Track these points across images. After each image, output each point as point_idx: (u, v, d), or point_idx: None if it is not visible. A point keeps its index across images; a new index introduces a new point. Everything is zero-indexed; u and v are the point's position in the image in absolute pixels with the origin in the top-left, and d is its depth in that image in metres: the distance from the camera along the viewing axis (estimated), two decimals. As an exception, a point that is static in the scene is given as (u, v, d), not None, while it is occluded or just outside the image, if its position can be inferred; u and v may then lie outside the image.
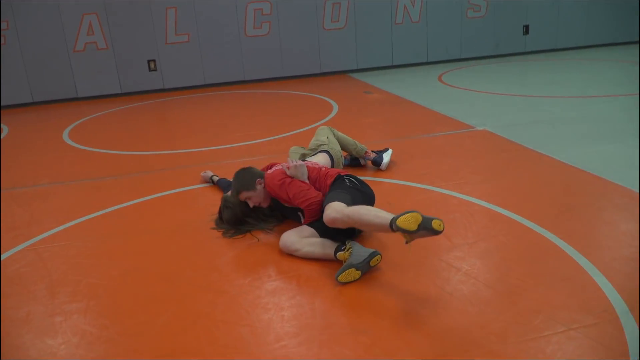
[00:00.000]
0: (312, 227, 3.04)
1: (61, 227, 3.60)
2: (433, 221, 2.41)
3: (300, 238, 2.96)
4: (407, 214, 2.42)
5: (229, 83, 9.26)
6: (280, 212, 3.44)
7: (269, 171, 3.39)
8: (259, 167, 3.55)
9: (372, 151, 4.47)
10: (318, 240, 2.93)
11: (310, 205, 3.06)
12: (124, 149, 5.55)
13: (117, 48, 8.57)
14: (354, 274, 2.66)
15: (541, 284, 2.62)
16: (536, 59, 10.00)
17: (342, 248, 2.81)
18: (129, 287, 2.82)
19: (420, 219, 2.40)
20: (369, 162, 4.43)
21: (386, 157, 4.41)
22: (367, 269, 2.71)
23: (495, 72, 8.96)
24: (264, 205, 3.38)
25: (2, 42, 8.02)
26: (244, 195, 3.28)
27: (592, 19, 10.53)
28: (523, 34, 10.36)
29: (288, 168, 3.23)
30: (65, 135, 6.28)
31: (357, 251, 2.72)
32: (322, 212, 2.92)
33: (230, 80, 9.25)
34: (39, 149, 5.82)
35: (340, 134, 4.39)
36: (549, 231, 3.11)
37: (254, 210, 3.38)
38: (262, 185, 3.32)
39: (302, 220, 3.13)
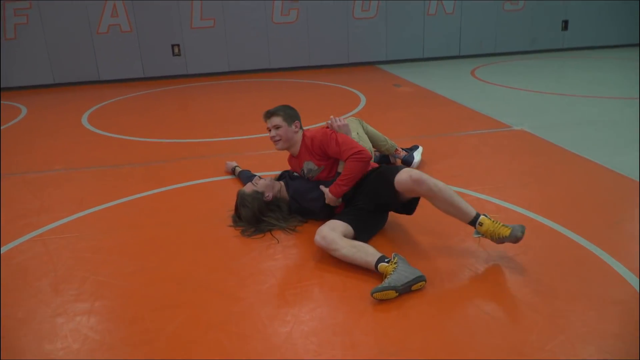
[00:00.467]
0: (343, 219, 2.81)
1: (72, 217, 3.42)
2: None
3: (341, 236, 2.69)
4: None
5: (253, 71, 9.02)
6: (299, 212, 3.21)
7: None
8: (278, 160, 3.30)
9: (403, 149, 4.19)
10: (360, 244, 2.66)
11: (360, 154, 2.92)
12: (143, 135, 5.36)
13: (141, 31, 8.39)
14: (391, 294, 2.39)
15: (590, 308, 2.33)
16: (575, 56, 9.54)
17: (387, 260, 2.52)
18: (138, 287, 2.60)
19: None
20: (399, 161, 4.15)
21: (417, 155, 4.13)
22: (406, 291, 2.43)
23: (532, 69, 8.56)
24: (269, 196, 3.16)
25: (24, 21, 7.89)
26: (274, 121, 3.14)
27: (636, 15, 10.00)
28: (562, 30, 9.91)
29: (331, 126, 3.20)
30: (84, 119, 6.12)
31: (402, 270, 2.44)
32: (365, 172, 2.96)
33: (255, 68, 9.02)
34: (56, 133, 5.67)
35: (370, 128, 4.12)
36: (597, 246, 2.82)
37: (271, 209, 3.16)
38: (299, 129, 3.20)
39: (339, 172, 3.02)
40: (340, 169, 3.16)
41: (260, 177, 3.24)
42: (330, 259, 2.70)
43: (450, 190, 2.71)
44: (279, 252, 2.88)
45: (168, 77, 8.69)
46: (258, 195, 3.13)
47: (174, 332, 2.25)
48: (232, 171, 4.05)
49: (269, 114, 3.20)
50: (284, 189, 3.27)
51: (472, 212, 2.69)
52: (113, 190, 3.88)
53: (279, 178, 3.42)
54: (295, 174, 3.40)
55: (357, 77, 8.46)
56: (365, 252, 2.59)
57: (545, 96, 6.52)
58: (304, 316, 2.32)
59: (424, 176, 2.70)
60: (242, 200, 3.13)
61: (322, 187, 3.09)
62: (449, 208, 2.71)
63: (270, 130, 3.20)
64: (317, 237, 2.71)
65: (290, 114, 3.19)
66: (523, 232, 2.60)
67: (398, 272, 2.42)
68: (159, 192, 3.79)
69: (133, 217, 3.42)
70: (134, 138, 5.28)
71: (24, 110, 6.75)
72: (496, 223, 2.64)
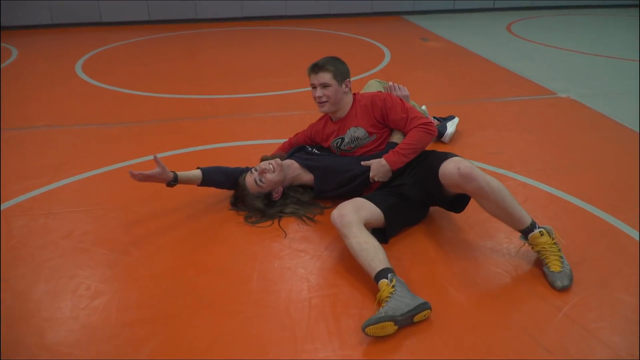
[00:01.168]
0: (376, 202, 2.32)
1: (47, 187, 2.92)
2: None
3: (361, 223, 2.17)
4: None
5: (268, 17, 8.33)
6: (321, 193, 2.69)
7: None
8: (291, 125, 2.77)
9: (434, 117, 3.61)
10: (373, 243, 2.11)
11: (429, 125, 2.54)
12: (141, 88, 4.79)
13: (147, -31, 7.68)
14: (389, 328, 1.82)
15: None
16: (625, 14, 8.67)
17: (387, 276, 1.97)
18: (109, 293, 2.12)
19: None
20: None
21: (451, 126, 3.56)
22: (408, 323, 1.89)
23: (576, 26, 7.75)
24: (278, 192, 2.66)
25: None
26: (322, 78, 2.61)
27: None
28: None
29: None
30: (78, 67, 5.55)
31: (400, 296, 1.89)
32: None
33: (271, 14, 8.33)
34: (45, 82, 5.10)
35: (395, 92, 3.54)
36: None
37: (285, 196, 2.67)
38: (349, 90, 2.72)
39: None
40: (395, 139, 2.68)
41: (264, 169, 2.60)
42: (351, 261, 2.18)
43: (505, 190, 2.17)
44: (287, 248, 2.37)
45: (175, 22, 8.04)
46: (266, 196, 2.64)
47: (151, 353, 1.77)
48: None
49: (316, 68, 2.63)
50: (303, 171, 2.72)
51: (527, 219, 2.18)
52: (100, 154, 3.37)
53: (294, 152, 2.87)
54: (314, 149, 2.84)
55: (381, 28, 7.73)
56: (373, 256, 2.06)
57: (592, 58, 5.81)
58: (308, 346, 1.82)
59: (476, 171, 2.15)
60: (245, 200, 2.64)
61: (366, 162, 2.56)
62: (499, 212, 2.19)
63: (315, 89, 2.65)
64: (335, 213, 2.20)
65: (342, 71, 2.65)
66: (568, 284, 2.08)
67: (395, 297, 1.88)
68: (148, 161, 3.28)
69: (119, 190, 2.91)
70: (130, 91, 4.72)
71: (15, 53, 6.18)
72: (554, 246, 2.16)
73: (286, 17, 8.34)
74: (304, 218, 2.59)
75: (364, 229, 2.16)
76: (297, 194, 2.71)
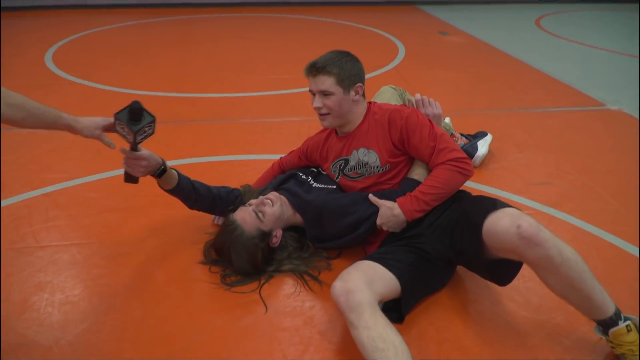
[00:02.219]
0: (389, 266, 1.64)
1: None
2: None
3: (375, 303, 1.48)
4: None
5: (269, 4, 7.60)
6: (318, 240, 1.99)
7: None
8: (286, 135, 2.09)
9: (462, 135, 2.90)
10: (394, 339, 1.41)
11: (464, 163, 1.83)
12: (113, 82, 4.08)
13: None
14: None
15: None
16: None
17: None
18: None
19: None
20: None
21: (483, 146, 2.84)
22: None
23: (615, 22, 6.95)
24: (277, 237, 1.93)
25: None
26: (322, 83, 1.90)
27: None
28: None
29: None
30: (48, 55, 4.84)
31: None
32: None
33: (272, 0, 7.57)
34: (5, 72, 4.38)
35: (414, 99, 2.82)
36: None
37: (281, 247, 1.97)
38: (361, 97, 1.98)
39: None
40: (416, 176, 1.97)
41: (265, 199, 1.93)
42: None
43: (582, 263, 1.50)
44: (266, 324, 1.67)
45: (167, 6, 7.33)
46: (264, 238, 1.89)
47: None
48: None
49: (314, 70, 1.92)
50: (294, 210, 2.02)
51: (610, 307, 1.52)
52: (52, 168, 2.68)
53: (281, 183, 2.16)
54: (309, 178, 2.14)
55: (394, 19, 6.96)
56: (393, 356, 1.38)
57: (636, 62, 5.04)
58: None
59: (544, 234, 1.47)
60: (235, 246, 1.86)
61: (376, 199, 1.88)
62: (571, 293, 1.53)
63: (314, 95, 1.94)
64: (338, 288, 1.51)
65: (351, 73, 1.93)
66: None
67: None
68: (105, 179, 2.58)
69: (57, 217, 2.22)
70: (98, 85, 4.02)
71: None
72: None
73: (289, 3, 7.62)
74: (306, 277, 1.89)
75: (379, 313, 1.47)
76: (293, 241, 2.01)
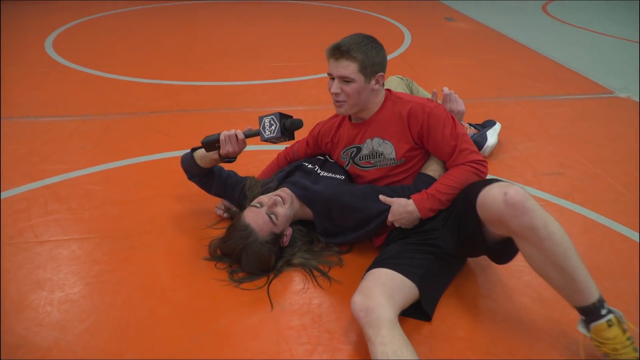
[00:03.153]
0: (406, 273, 1.59)
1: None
2: None
3: (392, 320, 1.43)
4: None
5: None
6: (326, 233, 1.94)
7: None
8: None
9: (470, 124, 2.83)
10: (410, 356, 1.37)
11: (482, 165, 1.80)
12: (115, 70, 4.01)
13: None
14: None
15: None
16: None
17: None
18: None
19: None
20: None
21: (492, 136, 2.78)
22: None
23: (622, 8, 6.81)
24: (287, 236, 1.88)
25: None
26: (345, 68, 1.79)
27: None
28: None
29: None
30: (49, 41, 4.76)
31: None
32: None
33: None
34: (5, 58, 4.31)
35: (422, 91, 2.76)
36: None
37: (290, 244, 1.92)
38: (381, 86, 1.90)
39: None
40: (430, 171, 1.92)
41: (275, 201, 1.85)
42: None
43: (568, 241, 1.47)
44: (274, 324, 1.63)
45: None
46: (277, 241, 1.84)
47: None
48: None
49: (337, 53, 1.81)
50: (302, 202, 1.96)
51: (593, 294, 1.46)
52: (43, 161, 2.62)
53: (287, 176, 2.11)
54: (316, 167, 2.09)
55: (400, 5, 6.84)
56: None
57: (646, 47, 4.95)
58: None
59: (530, 202, 1.46)
60: (248, 250, 1.79)
61: (386, 198, 1.84)
62: (553, 273, 1.49)
63: (332, 79, 1.85)
64: (358, 303, 1.47)
65: (375, 61, 1.83)
66: None
67: None
68: (106, 170, 2.53)
69: (57, 211, 2.17)
70: (100, 73, 3.95)
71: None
72: (628, 344, 1.44)
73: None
74: (315, 272, 1.85)
75: (397, 330, 1.43)
76: (301, 236, 1.96)
